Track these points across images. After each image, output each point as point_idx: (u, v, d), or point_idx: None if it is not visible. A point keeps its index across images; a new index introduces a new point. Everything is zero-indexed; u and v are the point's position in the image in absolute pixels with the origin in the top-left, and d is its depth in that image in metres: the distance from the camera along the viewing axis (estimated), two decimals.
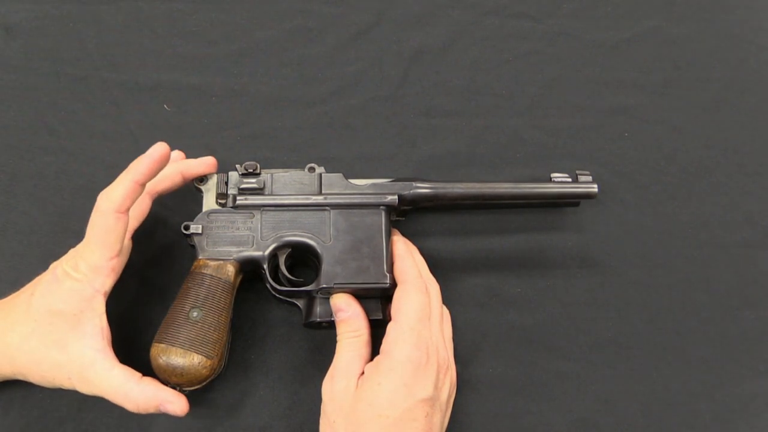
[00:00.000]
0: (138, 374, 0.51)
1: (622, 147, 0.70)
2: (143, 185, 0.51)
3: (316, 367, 0.59)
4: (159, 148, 0.51)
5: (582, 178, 0.61)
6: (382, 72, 0.72)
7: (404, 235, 0.63)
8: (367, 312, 0.55)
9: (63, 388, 0.51)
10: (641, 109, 0.72)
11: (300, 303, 0.58)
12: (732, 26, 0.77)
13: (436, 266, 0.63)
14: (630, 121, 0.71)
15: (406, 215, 0.63)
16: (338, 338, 0.54)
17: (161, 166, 0.51)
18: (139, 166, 0.50)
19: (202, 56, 0.71)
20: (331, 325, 0.57)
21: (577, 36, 0.75)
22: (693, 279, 0.65)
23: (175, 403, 0.50)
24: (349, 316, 0.54)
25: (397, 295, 0.53)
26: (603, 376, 0.61)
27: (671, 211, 0.68)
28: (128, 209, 0.50)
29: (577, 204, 0.63)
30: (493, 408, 0.56)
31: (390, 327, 0.52)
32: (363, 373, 0.52)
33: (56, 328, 0.49)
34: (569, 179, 0.61)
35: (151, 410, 0.50)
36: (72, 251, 0.52)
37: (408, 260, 0.56)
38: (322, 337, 0.59)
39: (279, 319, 0.60)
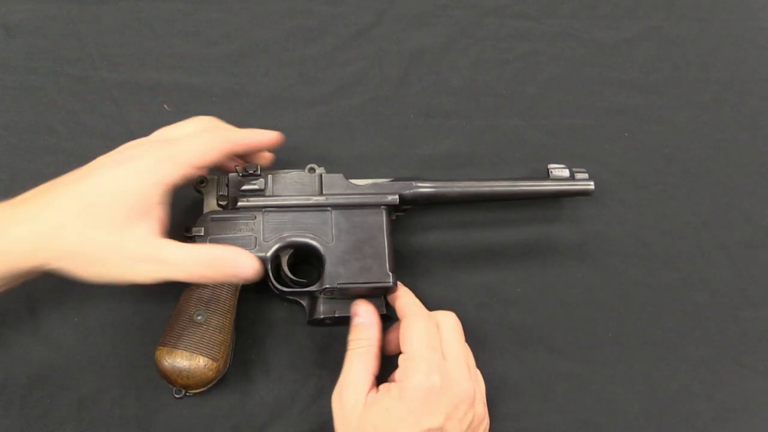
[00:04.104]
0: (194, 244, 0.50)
1: (622, 147, 0.70)
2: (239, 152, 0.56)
3: (317, 366, 0.59)
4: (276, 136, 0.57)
5: (579, 176, 0.61)
6: (382, 72, 0.72)
7: (403, 232, 0.63)
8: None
9: (106, 278, 0.47)
10: (641, 109, 0.72)
11: (303, 301, 0.58)
12: (732, 26, 0.77)
13: (435, 266, 0.63)
14: (630, 121, 0.71)
15: (405, 212, 0.63)
16: (348, 347, 0.53)
17: (264, 147, 0.58)
18: (261, 136, 0.56)
19: (202, 56, 0.70)
20: (334, 322, 0.57)
21: (577, 36, 0.75)
22: (693, 279, 0.65)
23: (235, 262, 0.49)
24: (362, 322, 0.54)
25: (401, 328, 0.53)
26: (603, 376, 0.61)
27: (671, 211, 0.68)
28: (228, 155, 0.54)
29: (589, 194, 0.62)
30: (493, 408, 0.56)
31: (400, 359, 0.51)
32: (372, 386, 0.51)
33: (114, 210, 0.46)
34: (566, 169, 0.62)
35: (211, 272, 0.49)
36: (154, 141, 0.52)
37: (407, 297, 0.56)
38: (323, 337, 0.60)
39: (279, 318, 0.60)
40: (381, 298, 0.57)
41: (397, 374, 0.51)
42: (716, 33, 0.77)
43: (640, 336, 0.62)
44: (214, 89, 0.69)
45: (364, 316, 0.54)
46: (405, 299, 0.55)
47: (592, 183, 0.61)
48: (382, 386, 0.51)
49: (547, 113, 0.71)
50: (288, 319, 0.60)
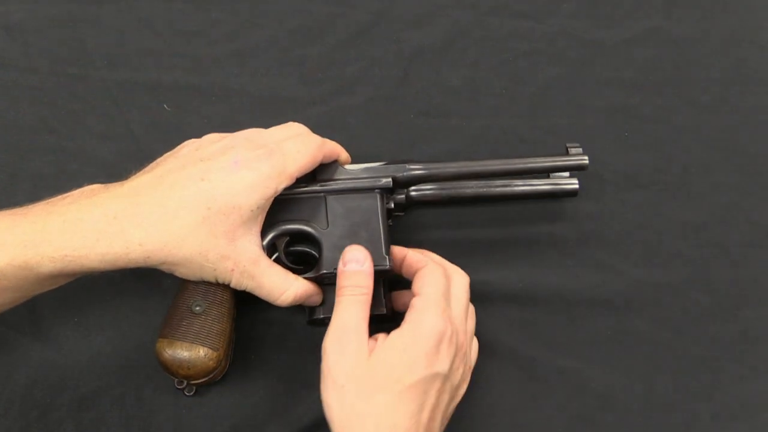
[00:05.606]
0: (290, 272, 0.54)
1: (622, 147, 0.70)
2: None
3: (317, 366, 0.58)
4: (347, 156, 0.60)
5: (573, 151, 0.61)
6: (382, 72, 0.72)
7: (403, 232, 0.63)
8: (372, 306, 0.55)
9: (207, 280, 0.52)
10: (641, 109, 0.72)
11: None
12: (732, 26, 0.77)
13: None
14: (630, 121, 0.71)
15: (405, 211, 0.63)
16: (340, 293, 0.51)
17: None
18: (340, 152, 0.59)
19: (202, 56, 0.71)
20: None
21: (577, 36, 0.75)
22: (693, 279, 0.65)
23: (319, 296, 0.56)
24: (362, 269, 0.52)
25: (420, 274, 0.53)
26: (603, 375, 0.61)
27: (671, 211, 0.68)
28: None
29: (575, 194, 0.62)
30: (492, 404, 0.56)
31: (414, 300, 0.51)
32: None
33: (228, 220, 0.49)
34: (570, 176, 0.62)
35: (299, 302, 0.54)
36: (263, 145, 0.52)
37: (420, 253, 0.57)
38: (323, 337, 0.59)
39: (279, 318, 0.60)
40: (381, 296, 0.57)
41: (409, 315, 0.50)
42: (716, 33, 0.77)
43: (640, 336, 0.62)
44: (214, 89, 0.69)
45: (364, 263, 0.53)
46: (419, 253, 0.57)
47: (586, 157, 0.60)
48: (393, 332, 0.50)
49: (547, 113, 0.71)
50: (288, 319, 0.60)
